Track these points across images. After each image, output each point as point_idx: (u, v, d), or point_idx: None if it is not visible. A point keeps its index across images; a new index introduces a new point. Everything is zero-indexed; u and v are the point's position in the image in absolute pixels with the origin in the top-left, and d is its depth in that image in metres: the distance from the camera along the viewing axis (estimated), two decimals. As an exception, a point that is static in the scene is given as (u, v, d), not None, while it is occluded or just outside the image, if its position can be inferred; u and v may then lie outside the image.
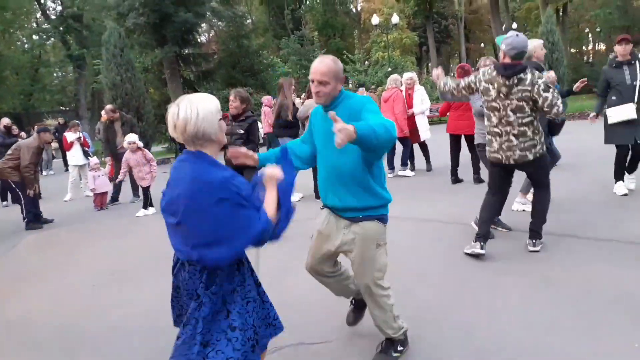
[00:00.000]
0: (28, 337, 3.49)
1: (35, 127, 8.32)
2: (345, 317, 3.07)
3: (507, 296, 3.37)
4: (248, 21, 28.18)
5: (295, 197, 7.79)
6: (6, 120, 10.20)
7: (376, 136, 1.99)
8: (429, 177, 8.44)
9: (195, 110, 1.81)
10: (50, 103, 35.37)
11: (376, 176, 2.48)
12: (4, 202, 9.86)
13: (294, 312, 3.29)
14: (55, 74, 38.55)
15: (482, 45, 43.93)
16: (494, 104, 3.91)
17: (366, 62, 25.19)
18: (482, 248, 4.08)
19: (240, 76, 21.53)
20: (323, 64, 2.40)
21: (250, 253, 2.09)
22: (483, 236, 4.13)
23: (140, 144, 7.52)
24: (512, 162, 3.95)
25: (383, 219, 2.54)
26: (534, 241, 4.17)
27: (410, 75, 8.82)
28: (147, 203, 7.51)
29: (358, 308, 3.00)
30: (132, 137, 7.39)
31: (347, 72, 23.81)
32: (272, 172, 2.02)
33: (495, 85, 3.85)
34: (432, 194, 6.89)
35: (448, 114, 7.44)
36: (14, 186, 7.32)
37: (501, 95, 3.84)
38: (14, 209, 8.62)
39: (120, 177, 7.68)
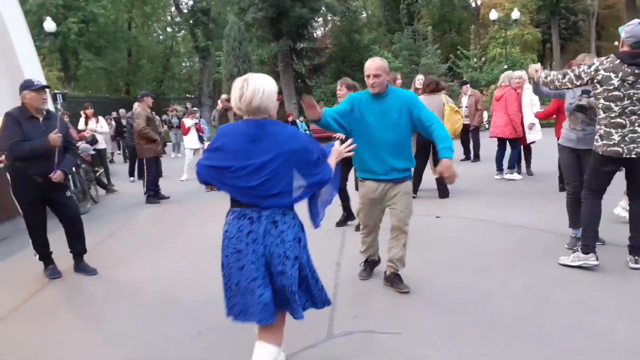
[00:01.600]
0: (134, 299, 3.98)
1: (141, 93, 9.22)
2: (413, 310, 3.24)
3: (597, 315, 3.15)
4: (362, 15, 28.35)
5: None
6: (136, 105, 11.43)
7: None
8: (535, 181, 8.00)
9: (261, 87, 2.17)
10: (177, 90, 38.63)
11: (410, 146, 3.56)
12: (132, 178, 11.06)
13: (369, 301, 3.39)
14: (183, 64, 41.94)
15: (616, 43, 39.78)
16: (616, 93, 3.63)
17: (482, 59, 24.15)
18: (597, 259, 3.85)
19: (350, 70, 21.79)
20: (375, 62, 3.41)
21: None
22: (593, 246, 3.88)
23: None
24: (634, 155, 3.64)
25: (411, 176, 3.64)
26: (635, 257, 3.82)
27: (520, 74, 8.37)
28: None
29: (371, 267, 4.04)
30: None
31: (461, 69, 23.02)
32: (340, 149, 2.56)
33: (620, 74, 3.59)
34: (533, 200, 6.54)
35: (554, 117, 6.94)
36: (143, 164, 8.22)
37: (626, 84, 3.58)
38: (138, 184, 9.66)
39: None
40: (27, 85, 4.34)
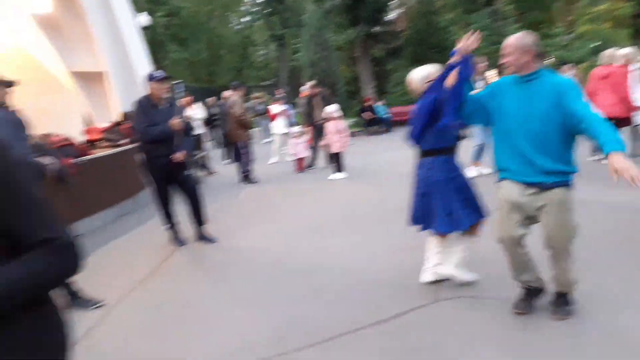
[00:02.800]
0: (247, 265, 4.49)
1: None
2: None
3: None
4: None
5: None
6: (225, 93, 12.15)
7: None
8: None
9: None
10: (255, 78, 39.87)
11: (570, 146, 2.75)
12: (225, 161, 11.82)
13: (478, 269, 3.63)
14: (260, 52, 43.12)
15: None
16: None
17: (569, 36, 22.89)
18: None
19: (428, 53, 21.50)
20: (508, 40, 2.79)
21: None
22: None
23: (337, 115, 8.44)
24: None
25: (571, 185, 2.81)
26: None
27: (628, 51, 7.95)
28: (339, 168, 8.44)
29: (530, 296, 3.05)
30: (330, 108, 8.36)
31: (549, 47, 21.97)
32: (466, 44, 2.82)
33: None
34: None
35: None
36: (239, 147, 8.80)
37: None
38: (231, 167, 10.37)
39: (323, 142, 8.72)
40: (152, 77, 4.93)
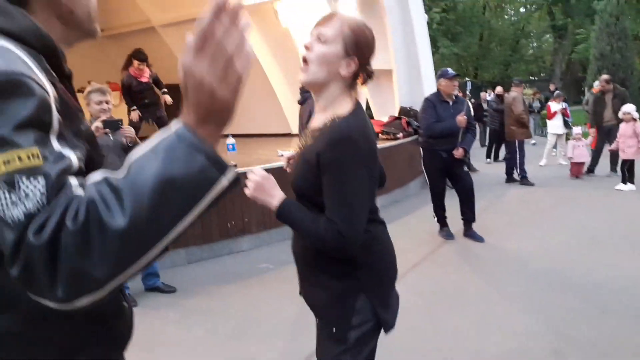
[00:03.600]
0: (519, 268, 4.36)
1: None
2: None
3: None
4: None
5: None
6: (499, 89, 11.77)
7: None
8: None
9: None
10: (523, 73, 37.34)
11: None
12: (488, 159, 11.57)
13: None
14: (530, 45, 40.09)
15: None
16: None
17: None
18: None
19: None
20: None
21: None
22: None
23: (636, 116, 7.35)
24: None
25: None
26: None
27: None
28: (627, 178, 7.36)
29: None
30: (628, 108, 7.37)
31: None
32: None
33: None
34: None
35: None
36: (514, 146, 8.44)
37: None
38: (494, 166, 10.09)
39: (612, 146, 7.76)
40: (442, 74, 5.18)
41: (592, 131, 8.96)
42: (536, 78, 38.09)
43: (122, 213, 0.65)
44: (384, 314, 1.53)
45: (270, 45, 9.74)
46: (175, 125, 0.71)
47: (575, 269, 4.25)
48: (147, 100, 6.81)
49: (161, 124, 6.82)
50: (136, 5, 10.30)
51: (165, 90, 6.95)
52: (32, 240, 0.65)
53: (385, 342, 1.70)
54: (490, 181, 8.96)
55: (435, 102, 5.13)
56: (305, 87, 1.64)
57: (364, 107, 10.18)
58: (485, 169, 10.47)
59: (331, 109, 1.49)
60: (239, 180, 0.74)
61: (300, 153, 1.55)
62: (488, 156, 11.64)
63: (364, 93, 8.89)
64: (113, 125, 3.84)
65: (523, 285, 3.96)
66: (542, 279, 4.05)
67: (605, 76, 8.73)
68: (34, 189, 0.67)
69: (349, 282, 1.51)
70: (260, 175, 1.50)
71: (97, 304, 0.70)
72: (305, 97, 4.79)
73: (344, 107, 1.48)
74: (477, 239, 5.19)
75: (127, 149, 3.89)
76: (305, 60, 1.48)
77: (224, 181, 0.70)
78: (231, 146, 6.61)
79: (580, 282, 3.95)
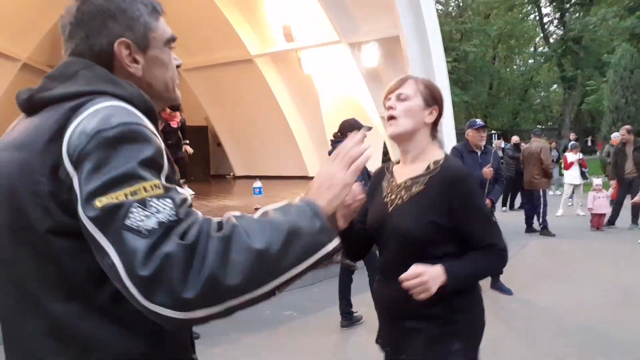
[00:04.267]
0: (554, 323, 4.24)
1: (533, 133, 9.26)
2: None
3: None
4: None
5: None
6: (515, 138, 11.85)
7: None
8: None
9: None
10: (530, 122, 37.71)
11: None
12: (504, 208, 11.50)
13: None
14: (537, 94, 40.66)
15: None
16: None
17: None
18: None
19: None
20: None
21: None
22: None
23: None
24: None
25: None
26: None
27: None
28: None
29: None
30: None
31: None
32: None
33: None
34: None
35: None
36: (537, 195, 8.36)
37: None
38: (510, 215, 10.01)
39: (636, 199, 7.63)
40: (470, 125, 5.21)
41: (613, 183, 8.91)
42: (543, 127, 38.42)
43: (261, 239, 0.81)
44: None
45: (292, 91, 9.96)
46: (303, 198, 0.93)
47: (613, 327, 4.11)
48: (170, 142, 7.24)
49: (181, 164, 7.28)
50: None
51: (187, 142, 7.64)
52: (177, 242, 0.77)
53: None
54: (510, 230, 8.85)
55: (462, 151, 5.14)
56: (394, 139, 1.72)
57: (382, 151, 10.31)
58: (503, 218, 10.37)
59: (422, 157, 1.66)
60: (339, 250, 0.91)
61: (408, 202, 1.62)
62: (504, 204, 11.58)
63: (384, 138, 9.01)
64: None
65: (560, 342, 3.83)
66: (580, 337, 3.92)
67: (627, 127, 8.72)
68: (164, 206, 0.80)
69: (447, 327, 1.57)
70: (415, 278, 1.46)
71: (209, 320, 0.80)
72: (335, 148, 4.84)
73: (438, 153, 1.67)
74: (506, 291, 5.08)
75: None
76: (392, 117, 1.65)
77: (330, 247, 0.89)
78: (257, 190, 6.64)
79: (621, 341, 3.82)
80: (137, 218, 0.77)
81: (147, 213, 0.78)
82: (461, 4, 35.93)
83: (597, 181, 8.92)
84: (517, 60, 39.75)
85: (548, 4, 32.36)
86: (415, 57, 7.79)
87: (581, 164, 10.26)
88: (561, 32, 32.07)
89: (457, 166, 1.67)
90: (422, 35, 7.99)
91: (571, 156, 10.28)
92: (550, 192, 15.46)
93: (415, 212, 1.57)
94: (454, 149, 5.26)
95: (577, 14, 30.83)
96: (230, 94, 11.21)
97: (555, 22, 33.81)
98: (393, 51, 8.15)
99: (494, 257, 1.60)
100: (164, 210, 0.79)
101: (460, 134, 10.17)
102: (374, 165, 7.84)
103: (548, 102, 40.65)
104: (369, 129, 4.09)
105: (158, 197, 0.80)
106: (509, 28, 34.08)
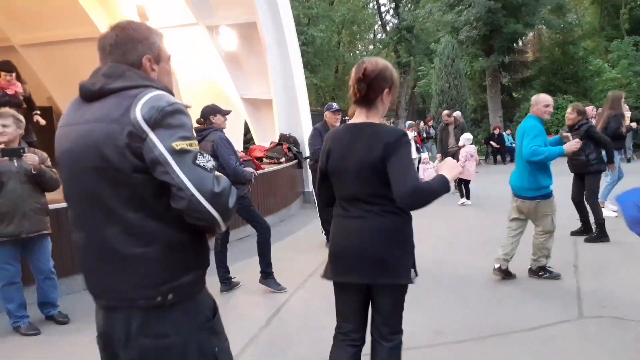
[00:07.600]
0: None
1: None
2: None
3: None
4: (577, 29, 26.52)
5: None
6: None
7: None
8: None
9: None
10: (374, 103, 41.01)
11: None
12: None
13: (613, 293, 3.88)
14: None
15: None
16: None
17: None
18: None
19: (561, 83, 20.76)
20: None
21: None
22: None
23: (467, 144, 8.85)
24: None
25: None
26: None
27: None
28: (464, 194, 8.87)
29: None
30: (468, 136, 8.83)
31: None
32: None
33: None
34: None
35: None
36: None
37: None
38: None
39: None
40: (328, 108, 5.88)
41: (439, 156, 10.52)
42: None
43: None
44: None
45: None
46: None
47: (443, 268, 5.12)
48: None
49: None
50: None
51: (38, 111, 6.54)
52: (225, 178, 1.41)
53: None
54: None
55: (321, 130, 5.79)
56: None
57: (244, 132, 10.62)
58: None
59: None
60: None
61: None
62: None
63: (247, 120, 9.37)
64: (14, 152, 3.77)
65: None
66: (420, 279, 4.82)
67: (446, 111, 10.33)
68: (209, 157, 1.42)
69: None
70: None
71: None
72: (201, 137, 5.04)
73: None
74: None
75: (31, 176, 3.83)
76: None
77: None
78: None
79: (448, 278, 4.81)
80: (202, 161, 1.35)
81: (207, 159, 1.37)
82: (308, -11, 37.15)
83: (425, 155, 10.45)
84: (360, 46, 42.66)
85: (385, -6, 35.19)
86: (271, 42, 8.25)
87: (416, 141, 11.83)
88: (396, 22, 35.27)
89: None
90: (277, 21, 8.49)
91: (409, 134, 11.77)
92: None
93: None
94: (315, 128, 5.90)
95: (409, 6, 34.04)
96: (77, 73, 10.41)
97: (391, 11, 36.88)
98: (252, 36, 8.52)
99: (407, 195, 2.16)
100: (211, 159, 1.40)
101: (314, 115, 11.12)
102: (236, 143, 8.29)
103: (387, 86, 44.42)
104: (229, 112, 4.52)
105: (199, 151, 1.38)
106: (351, 15, 36.33)
